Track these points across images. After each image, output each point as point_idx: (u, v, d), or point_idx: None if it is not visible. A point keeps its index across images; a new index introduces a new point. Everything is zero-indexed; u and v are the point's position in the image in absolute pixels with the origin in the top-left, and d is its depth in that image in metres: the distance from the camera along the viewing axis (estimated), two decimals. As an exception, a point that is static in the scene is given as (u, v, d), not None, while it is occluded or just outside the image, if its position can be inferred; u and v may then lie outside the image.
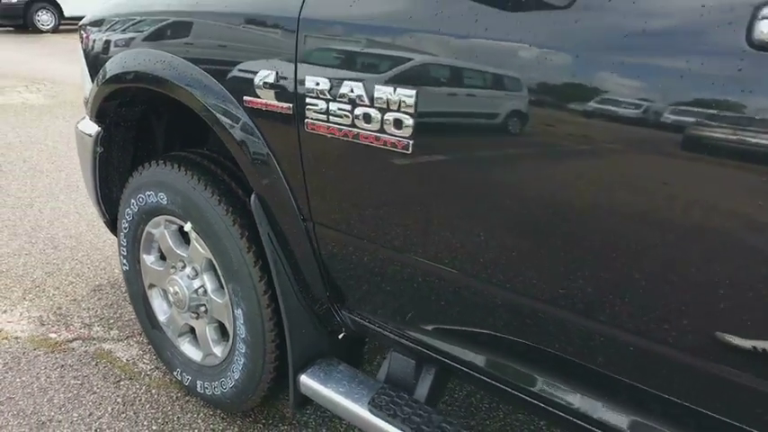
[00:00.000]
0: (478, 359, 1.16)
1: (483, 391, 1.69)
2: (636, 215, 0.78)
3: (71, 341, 2.08)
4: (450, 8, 0.90)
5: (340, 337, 1.44)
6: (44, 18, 13.53)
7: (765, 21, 0.64)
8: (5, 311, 2.24)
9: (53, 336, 2.11)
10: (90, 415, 1.74)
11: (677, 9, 0.71)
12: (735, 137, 0.68)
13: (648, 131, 0.74)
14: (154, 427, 1.70)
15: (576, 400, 1.03)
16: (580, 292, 0.88)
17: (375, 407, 1.22)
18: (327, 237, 1.23)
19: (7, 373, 1.90)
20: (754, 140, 0.66)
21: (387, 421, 1.18)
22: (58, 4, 13.55)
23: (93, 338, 2.11)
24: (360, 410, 1.24)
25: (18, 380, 1.87)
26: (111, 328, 2.16)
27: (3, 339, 2.07)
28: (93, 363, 1.97)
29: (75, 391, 1.83)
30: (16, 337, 2.09)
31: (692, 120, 0.70)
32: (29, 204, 3.31)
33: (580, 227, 0.84)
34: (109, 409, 1.76)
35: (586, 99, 0.78)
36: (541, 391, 1.06)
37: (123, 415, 1.74)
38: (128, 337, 2.12)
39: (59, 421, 1.71)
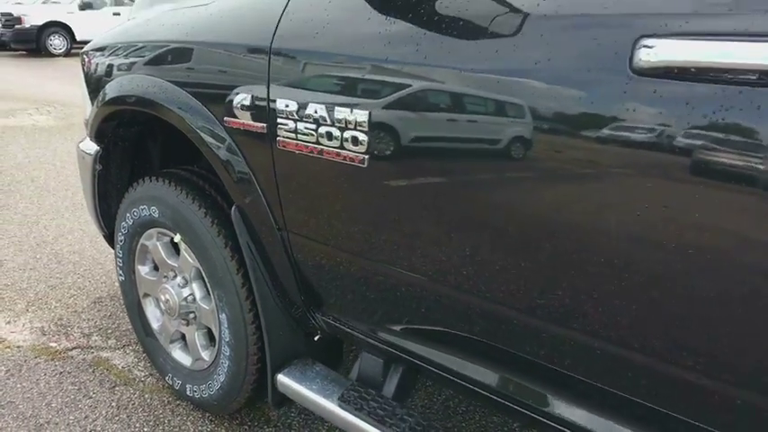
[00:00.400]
0: (443, 358, 1.25)
1: (449, 388, 1.77)
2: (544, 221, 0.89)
3: (70, 350, 2.19)
4: (395, 39, 1.02)
5: (316, 339, 1.55)
6: (56, 42, 13.90)
7: (641, 50, 0.75)
8: (9, 322, 2.36)
9: (53, 345, 2.22)
10: (86, 418, 1.84)
11: (579, 39, 0.83)
12: (624, 149, 0.78)
13: (562, 140, 0.85)
14: (146, 429, 1.79)
15: (537, 398, 1.12)
16: (541, 297, 0.96)
17: (344, 401, 1.32)
18: (300, 245, 1.35)
19: (9, 379, 2.01)
20: (637, 151, 0.77)
21: (353, 414, 1.28)
22: (71, 29, 13.93)
23: (92, 347, 2.21)
24: (329, 405, 1.33)
25: (19, 385, 1.98)
26: (109, 338, 2.27)
27: (6, 348, 2.19)
28: (91, 370, 2.08)
29: (72, 396, 1.93)
30: (18, 346, 2.20)
31: (590, 134, 0.81)
32: (35, 221, 3.45)
33: (524, 231, 0.95)
34: (103, 412, 1.86)
35: (510, 116, 0.89)
36: (504, 389, 1.15)
37: (117, 418, 1.84)
38: (124, 345, 2.23)
39: (56, 423, 1.81)
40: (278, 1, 1.25)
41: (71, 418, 1.84)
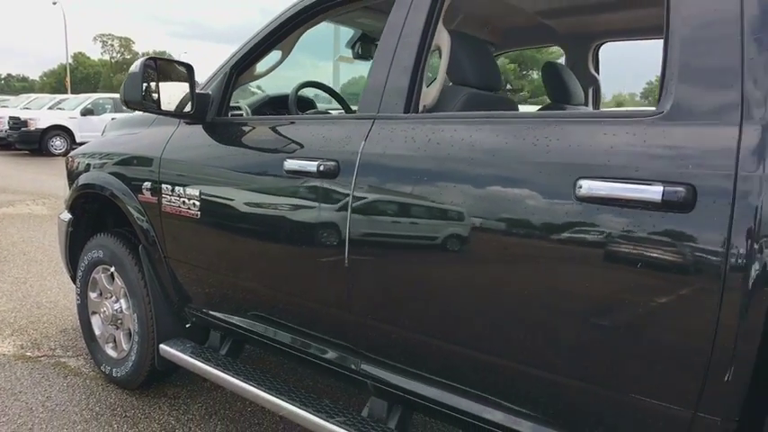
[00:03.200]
0: (254, 327, 2.26)
1: (257, 347, 2.61)
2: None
3: (40, 357, 3.17)
4: (211, 158, 2.16)
5: (187, 325, 2.56)
6: (57, 143, 15.36)
7: (287, 162, 1.87)
8: (1, 341, 3.34)
9: (29, 354, 3.19)
10: (45, 391, 2.79)
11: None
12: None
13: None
14: (83, 397, 2.75)
15: (306, 346, 2.10)
16: (300, 286, 2.00)
17: (194, 354, 2.33)
18: (174, 265, 2.41)
19: (-4, 372, 2.98)
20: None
21: (195, 359, 2.29)
22: (71, 132, 15.44)
23: (55, 356, 3.19)
24: (184, 356, 2.33)
25: (2, 374, 2.94)
26: (68, 351, 3.25)
27: (-5, 355, 3.16)
28: (52, 367, 3.05)
29: (38, 380, 2.89)
30: (4, 354, 3.17)
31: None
32: (23, 282, 4.47)
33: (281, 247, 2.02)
34: (57, 388, 2.82)
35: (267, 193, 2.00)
36: (292, 343, 2.13)
37: (65, 392, 2.80)
38: (77, 355, 3.20)
39: (25, 393, 2.76)
40: (166, 135, 2.40)
41: (35, 390, 2.79)
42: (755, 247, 1.08)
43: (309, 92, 2.79)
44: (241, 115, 2.44)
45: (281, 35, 2.16)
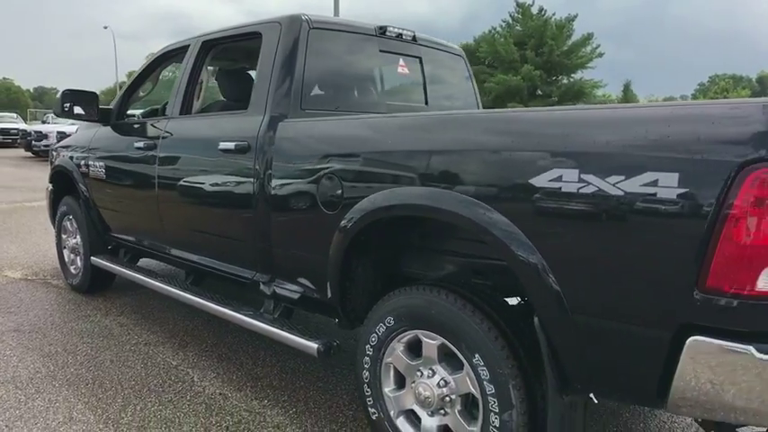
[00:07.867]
0: (139, 243, 3.89)
1: (148, 257, 4.30)
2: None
3: (35, 279, 4.91)
4: (112, 147, 3.83)
5: (109, 247, 4.22)
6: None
7: (135, 143, 3.50)
8: (13, 271, 5.11)
9: (29, 278, 4.95)
10: (32, 293, 4.51)
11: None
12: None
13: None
14: (54, 296, 4.45)
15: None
16: (162, 226, 3.66)
17: (107, 260, 3.99)
18: (99, 209, 4.09)
19: (6, 286, 4.72)
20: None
21: (108, 262, 3.95)
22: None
23: (45, 279, 4.93)
24: (103, 262, 4.00)
25: (9, 287, 4.68)
26: (54, 277, 4.98)
27: (7, 278, 4.92)
28: (42, 284, 4.78)
29: (30, 289, 4.62)
30: (13, 277, 4.94)
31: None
32: (38, 244, 6.30)
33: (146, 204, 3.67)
34: (40, 293, 4.54)
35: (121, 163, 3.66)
36: (154, 248, 3.76)
37: (45, 294, 4.51)
38: (59, 280, 4.92)
39: (20, 294, 4.49)
40: (94, 132, 4.07)
41: (27, 293, 4.52)
42: (268, 172, 2.63)
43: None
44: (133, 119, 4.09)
45: (147, 74, 3.81)
